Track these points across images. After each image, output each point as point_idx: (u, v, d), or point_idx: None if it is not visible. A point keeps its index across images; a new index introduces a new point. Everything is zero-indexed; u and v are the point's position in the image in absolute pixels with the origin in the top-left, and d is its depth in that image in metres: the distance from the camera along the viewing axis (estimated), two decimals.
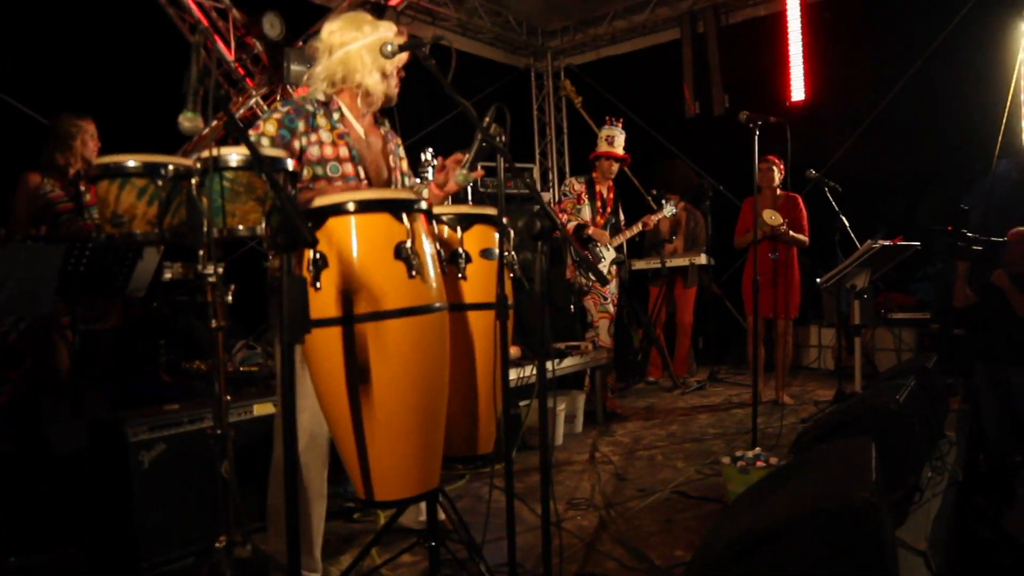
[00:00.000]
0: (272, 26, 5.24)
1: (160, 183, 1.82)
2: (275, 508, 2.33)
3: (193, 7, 5.25)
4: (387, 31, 2.40)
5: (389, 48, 2.26)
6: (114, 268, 3.21)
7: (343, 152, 2.39)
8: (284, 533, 2.26)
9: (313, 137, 2.35)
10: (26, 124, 4.57)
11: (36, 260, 2.91)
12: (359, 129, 2.48)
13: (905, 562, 2.42)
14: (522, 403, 4.17)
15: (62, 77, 4.68)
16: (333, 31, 2.41)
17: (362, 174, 2.41)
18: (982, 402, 4.78)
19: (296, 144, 2.33)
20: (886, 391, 3.30)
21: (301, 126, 2.34)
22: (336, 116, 2.42)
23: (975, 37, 6.27)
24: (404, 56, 2.45)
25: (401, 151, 2.70)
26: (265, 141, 2.28)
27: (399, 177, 2.61)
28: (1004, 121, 6.13)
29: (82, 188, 3.77)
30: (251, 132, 2.31)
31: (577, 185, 5.11)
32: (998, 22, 6.12)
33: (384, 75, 2.44)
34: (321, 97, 2.41)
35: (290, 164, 1.95)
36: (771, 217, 5.08)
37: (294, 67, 5.26)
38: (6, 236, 3.53)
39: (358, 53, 2.38)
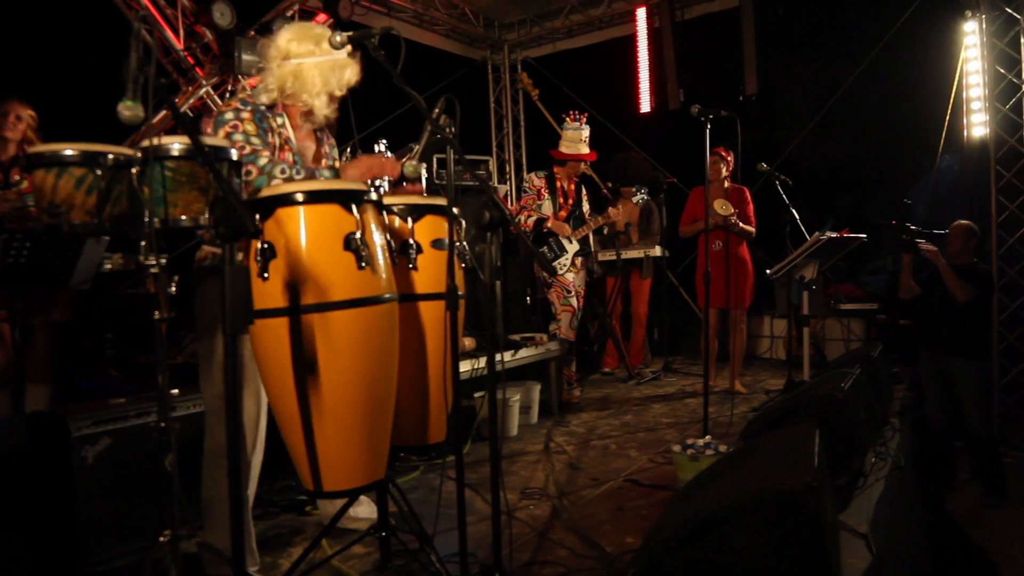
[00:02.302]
0: (222, 15, 5.13)
1: (99, 172, 1.77)
2: (211, 500, 2.30)
3: None
4: (343, 52, 2.38)
5: (338, 39, 2.24)
6: (56, 260, 3.11)
7: (288, 157, 2.41)
8: (223, 525, 2.26)
9: (270, 139, 2.36)
10: None
11: None
12: (294, 137, 2.47)
13: (847, 544, 2.49)
14: (476, 394, 4.19)
15: (6, 65, 4.54)
16: (291, 39, 2.40)
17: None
18: (925, 390, 4.93)
19: (270, 139, 2.33)
20: (832, 380, 3.39)
21: (265, 125, 2.36)
22: (280, 121, 2.42)
23: (921, 36, 6.45)
24: (354, 79, 2.46)
25: (335, 152, 2.71)
26: (255, 140, 2.29)
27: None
28: (947, 118, 6.31)
29: (15, 177, 3.66)
30: (228, 129, 2.28)
31: (537, 180, 5.12)
32: (942, 22, 6.29)
33: (331, 98, 2.44)
34: (265, 101, 2.40)
35: (234, 154, 1.93)
36: (722, 207, 5.17)
37: (245, 56, 5.16)
38: None
39: (311, 70, 2.37)
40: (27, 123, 3.68)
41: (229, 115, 2.31)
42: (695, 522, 1.98)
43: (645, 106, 7.67)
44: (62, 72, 4.62)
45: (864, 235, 5.07)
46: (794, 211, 5.48)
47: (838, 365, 4.05)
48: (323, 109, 2.44)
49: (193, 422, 2.75)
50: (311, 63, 2.37)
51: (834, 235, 4.78)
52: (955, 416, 4.77)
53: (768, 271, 5.11)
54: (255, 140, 2.28)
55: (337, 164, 2.66)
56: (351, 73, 2.45)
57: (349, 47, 2.37)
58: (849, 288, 6.64)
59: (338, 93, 2.45)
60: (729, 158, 5.39)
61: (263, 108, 2.39)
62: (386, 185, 2.52)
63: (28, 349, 3.64)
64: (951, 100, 6.30)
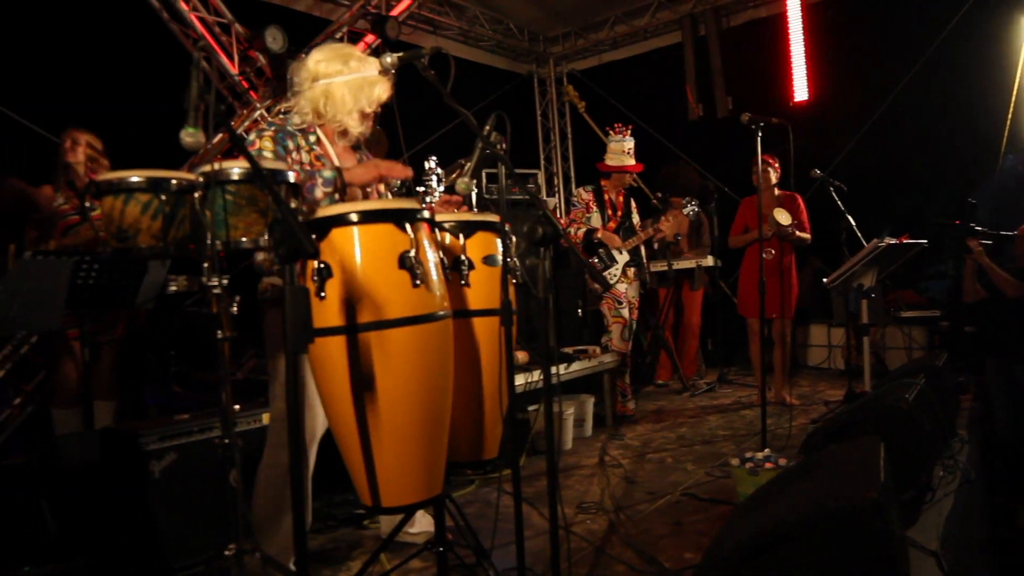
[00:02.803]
0: (274, 39, 5.27)
1: (164, 197, 1.84)
2: (265, 517, 2.35)
3: (196, 22, 5.29)
4: (372, 69, 2.42)
5: (388, 60, 2.29)
6: (122, 281, 3.23)
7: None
8: (277, 542, 2.31)
9: (296, 157, 2.39)
10: (39, 142, 4.63)
11: (46, 274, 2.93)
12: (332, 152, 2.50)
13: (917, 562, 2.41)
14: (531, 408, 4.18)
15: (71, 95, 4.74)
16: (319, 60, 2.44)
17: (336, 197, 2.45)
18: (994, 399, 4.75)
19: (289, 160, 2.36)
20: (895, 390, 3.29)
21: (290, 144, 2.39)
22: (312, 139, 2.45)
23: (977, 33, 6.26)
24: (384, 96, 2.47)
25: None
26: (267, 155, 2.31)
27: (376, 196, 2.63)
28: (1009, 116, 6.10)
29: (87, 204, 3.81)
30: (248, 148, 2.33)
31: (584, 194, 5.12)
32: (999, 18, 6.11)
33: (363, 115, 2.47)
34: (298, 121, 2.45)
35: (291, 176, 1.97)
36: (782, 216, 5.08)
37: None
38: (17, 250, 3.57)
39: (340, 89, 2.41)
40: (84, 148, 3.82)
41: (252, 136, 2.37)
42: (757, 539, 1.94)
43: (692, 115, 7.60)
44: (122, 99, 4.80)
45: (924, 241, 4.92)
46: (850, 217, 5.36)
47: (901, 375, 3.93)
48: (356, 127, 2.47)
49: (254, 437, 2.82)
50: (340, 82, 2.41)
51: (893, 241, 4.66)
52: None
53: (824, 280, 5.00)
54: (267, 155, 2.31)
55: (381, 185, 2.70)
56: (381, 90, 2.46)
57: (377, 64, 2.42)
58: (909, 295, 6.45)
59: (368, 110, 2.46)
60: (775, 165, 5.29)
61: (292, 128, 2.43)
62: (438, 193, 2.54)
63: (95, 366, 3.77)
64: (1013, 97, 6.10)
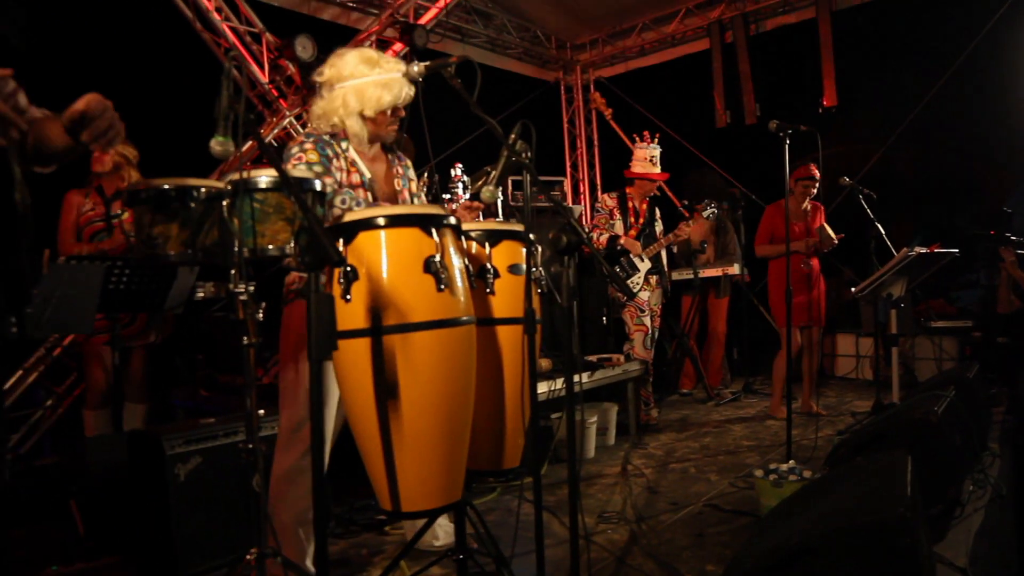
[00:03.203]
0: (304, 48, 5.34)
1: (192, 206, 1.87)
2: (282, 523, 2.38)
3: (227, 32, 5.38)
4: (384, 73, 2.43)
5: (415, 69, 2.33)
6: (152, 286, 3.29)
7: (355, 179, 2.46)
8: (293, 547, 2.34)
9: (337, 164, 2.43)
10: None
11: (79, 278, 2.99)
12: (363, 157, 2.53)
13: None
14: (553, 416, 4.18)
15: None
16: (334, 65, 2.48)
17: (370, 199, 2.48)
18: None
19: (333, 168, 2.41)
20: (924, 402, 3.24)
21: (329, 153, 2.43)
22: (344, 145, 2.48)
23: (1011, 40, 6.15)
24: (388, 98, 2.45)
25: (411, 172, 2.76)
26: (317, 168, 2.36)
27: (408, 198, 2.67)
28: None
29: (116, 210, 3.88)
30: (293, 162, 2.37)
31: (609, 201, 5.13)
32: None
33: (365, 118, 2.47)
34: (329, 129, 2.48)
35: (318, 184, 2.00)
36: (830, 230, 5.05)
37: None
38: (51, 255, 3.65)
39: (342, 94, 2.44)
40: (113, 156, 3.88)
41: (295, 149, 2.41)
42: (780, 552, 1.92)
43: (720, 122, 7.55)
44: (156, 106, 4.89)
45: (956, 250, 4.84)
46: (879, 226, 5.28)
47: (930, 386, 3.87)
48: (361, 130, 2.47)
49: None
50: (348, 86, 2.43)
51: (924, 250, 4.58)
52: None
53: (853, 289, 4.93)
54: (317, 168, 2.36)
55: (413, 186, 2.73)
56: (385, 93, 2.43)
57: (396, 67, 2.43)
58: (940, 304, 6.34)
59: (370, 113, 2.45)
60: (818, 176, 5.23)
61: (326, 137, 2.47)
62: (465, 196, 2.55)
63: (125, 370, 3.84)
64: None
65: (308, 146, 2.41)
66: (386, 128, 2.52)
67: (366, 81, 2.42)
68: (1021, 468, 4.27)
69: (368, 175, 2.50)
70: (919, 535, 1.90)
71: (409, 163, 2.78)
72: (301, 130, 5.67)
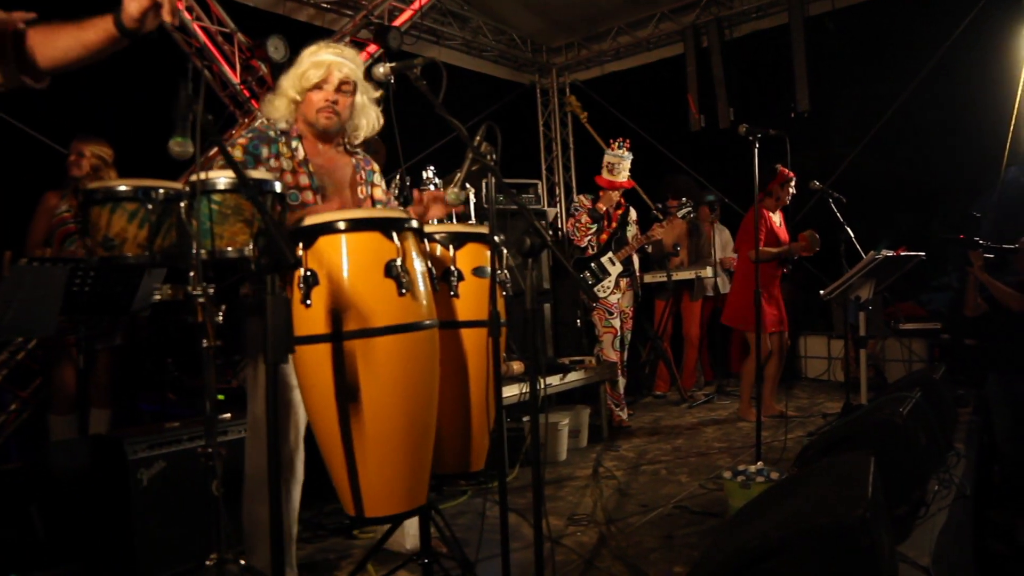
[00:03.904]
0: (276, 49, 5.30)
1: (151, 207, 1.84)
2: (259, 522, 2.35)
3: (199, 32, 5.33)
4: (311, 59, 2.42)
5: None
6: (118, 288, 3.25)
7: (303, 180, 2.43)
8: (265, 550, 2.31)
9: (274, 164, 2.39)
10: (40, 149, 4.65)
11: (41, 281, 2.94)
12: (318, 157, 2.50)
13: None
14: (524, 418, 4.17)
15: (74, 104, 4.77)
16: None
17: (319, 201, 2.44)
18: (994, 413, 4.72)
19: (261, 168, 2.35)
20: (890, 404, 3.27)
21: (264, 152, 2.39)
22: (295, 144, 2.45)
23: (980, 45, 6.25)
24: (334, 78, 2.42)
25: (376, 177, 2.71)
26: None
27: (369, 204, 2.63)
28: (1011, 129, 6.09)
29: None
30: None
31: (585, 201, 5.19)
32: (1001, 29, 6.10)
33: (288, 99, 2.44)
34: (283, 126, 2.45)
35: (277, 186, 1.98)
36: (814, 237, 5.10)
37: None
38: (13, 257, 3.59)
39: (282, 84, 2.45)
40: (89, 159, 3.83)
41: (228, 146, 2.40)
42: (742, 554, 1.93)
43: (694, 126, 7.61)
44: (125, 106, 4.82)
45: (923, 253, 4.90)
46: (849, 229, 5.34)
47: (898, 388, 3.91)
48: (281, 113, 2.45)
49: (242, 447, 2.81)
50: (288, 76, 2.46)
51: (890, 253, 4.64)
52: None
53: (822, 291, 4.98)
54: None
55: (378, 191, 2.69)
56: (306, 69, 2.41)
57: (324, 51, 2.42)
58: (910, 307, 6.42)
59: (294, 94, 2.43)
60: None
61: (275, 133, 2.43)
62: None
63: (91, 373, 3.78)
64: (1015, 110, 6.08)
65: (240, 141, 2.38)
66: (315, 113, 2.44)
67: (303, 63, 2.41)
68: (986, 468, 4.34)
69: (315, 175, 2.45)
70: (879, 536, 1.91)
71: (376, 168, 2.74)
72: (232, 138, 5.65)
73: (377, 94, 2.57)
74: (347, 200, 2.54)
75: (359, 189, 2.60)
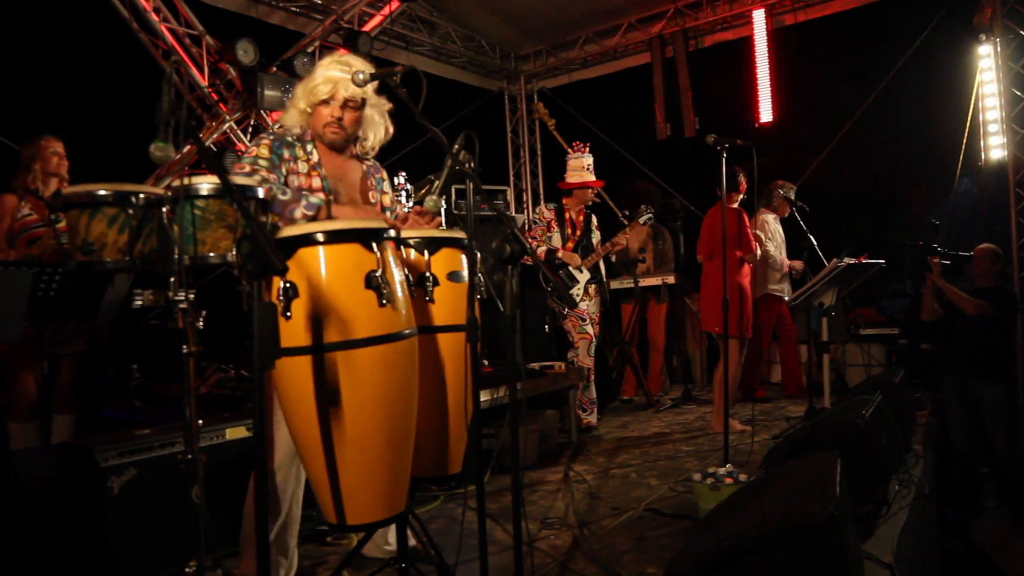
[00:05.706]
0: (245, 52, 5.26)
1: (131, 211, 1.83)
2: (252, 529, 2.34)
3: (166, 34, 5.27)
4: (323, 73, 2.44)
5: (360, 76, 2.33)
6: (84, 293, 3.20)
7: (315, 183, 2.45)
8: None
9: (292, 166, 2.43)
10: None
11: (5, 285, 2.89)
12: (331, 161, 2.53)
13: (871, 574, 2.47)
14: (487, 430, 4.18)
15: (37, 104, 4.68)
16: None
17: (332, 205, 2.47)
18: (949, 415, 4.87)
19: (284, 169, 2.40)
20: (853, 407, 3.37)
21: (286, 154, 2.42)
22: (310, 147, 2.48)
23: (936, 60, 6.47)
24: (340, 95, 2.45)
25: (385, 184, 2.75)
26: (262, 162, 2.36)
27: (379, 211, 2.66)
28: (964, 140, 6.30)
29: (53, 216, 3.76)
30: (244, 155, 2.40)
31: (547, 212, 5.20)
32: (956, 46, 6.32)
33: (303, 111, 2.48)
34: (297, 131, 2.49)
35: (260, 192, 1.98)
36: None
37: (267, 92, 5.30)
38: None
39: (297, 93, 2.49)
40: (62, 156, 3.79)
41: (252, 143, 2.44)
42: (716, 553, 1.98)
43: (662, 134, 7.73)
44: (87, 107, 4.74)
45: (883, 261, 5.05)
46: (812, 237, 5.48)
47: (859, 392, 4.02)
48: (295, 121, 2.49)
49: (217, 452, 2.80)
50: (301, 87, 2.51)
51: (852, 261, 4.77)
52: (981, 442, 4.71)
53: (786, 298, 5.09)
54: (263, 162, 2.37)
55: (386, 199, 2.72)
56: (319, 84, 2.44)
57: (336, 65, 2.45)
58: (869, 313, 6.60)
59: (304, 106, 2.47)
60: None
61: (290, 138, 2.47)
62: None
63: (55, 379, 3.70)
64: (968, 123, 6.30)
65: (265, 141, 2.42)
66: (322, 126, 2.48)
67: (316, 76, 2.45)
68: (943, 469, 4.48)
69: (327, 178, 2.49)
70: (848, 533, 1.98)
71: (385, 175, 2.77)
72: (242, 135, 5.59)
73: (388, 107, 2.61)
74: (357, 202, 2.57)
75: (370, 195, 2.63)
